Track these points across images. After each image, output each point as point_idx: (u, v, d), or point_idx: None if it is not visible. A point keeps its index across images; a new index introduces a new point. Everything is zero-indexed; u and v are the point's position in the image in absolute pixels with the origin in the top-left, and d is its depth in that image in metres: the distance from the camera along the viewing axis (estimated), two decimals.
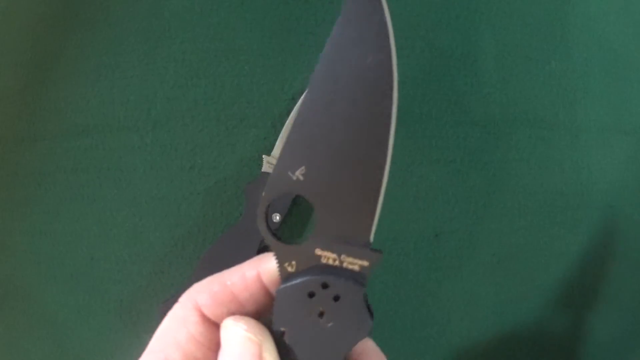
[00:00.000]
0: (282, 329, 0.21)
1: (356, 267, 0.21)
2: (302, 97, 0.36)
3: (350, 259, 0.21)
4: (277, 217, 0.35)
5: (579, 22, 0.38)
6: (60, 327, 0.39)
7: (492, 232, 0.38)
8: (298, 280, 0.21)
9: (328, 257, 0.21)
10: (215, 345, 0.22)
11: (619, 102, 0.39)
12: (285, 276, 0.22)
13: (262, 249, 0.36)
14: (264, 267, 0.22)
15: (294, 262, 0.21)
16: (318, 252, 0.21)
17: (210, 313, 0.23)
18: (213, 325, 0.23)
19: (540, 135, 0.38)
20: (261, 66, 0.36)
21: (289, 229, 0.37)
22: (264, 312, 0.23)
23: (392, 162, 0.21)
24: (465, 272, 0.38)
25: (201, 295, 0.23)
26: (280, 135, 0.36)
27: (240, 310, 0.23)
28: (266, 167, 0.36)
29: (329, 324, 0.21)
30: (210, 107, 0.36)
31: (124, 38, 0.37)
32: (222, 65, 0.36)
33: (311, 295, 0.21)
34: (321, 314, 0.21)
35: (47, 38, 0.38)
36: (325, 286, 0.21)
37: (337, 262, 0.21)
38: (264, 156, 0.36)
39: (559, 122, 0.38)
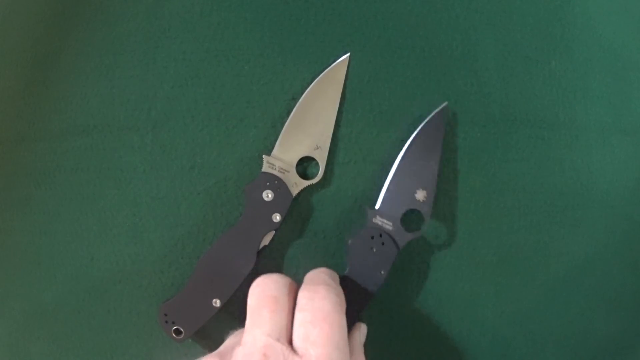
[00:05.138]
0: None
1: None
2: (302, 97, 0.36)
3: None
4: (277, 217, 0.35)
5: (579, 22, 0.38)
6: (60, 327, 0.39)
7: (492, 232, 0.38)
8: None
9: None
10: None
11: (619, 102, 0.39)
12: None
13: (262, 249, 0.36)
14: None
15: None
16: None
17: None
18: None
19: (540, 135, 0.38)
20: (261, 66, 0.36)
21: (289, 229, 0.37)
22: None
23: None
24: (465, 272, 0.38)
25: None
26: (280, 135, 0.36)
27: None
28: (266, 167, 0.35)
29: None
30: (210, 107, 0.36)
31: (124, 38, 0.37)
32: (222, 65, 0.36)
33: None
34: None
35: (47, 38, 0.38)
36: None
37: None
38: (264, 156, 0.36)
39: (559, 122, 0.38)
